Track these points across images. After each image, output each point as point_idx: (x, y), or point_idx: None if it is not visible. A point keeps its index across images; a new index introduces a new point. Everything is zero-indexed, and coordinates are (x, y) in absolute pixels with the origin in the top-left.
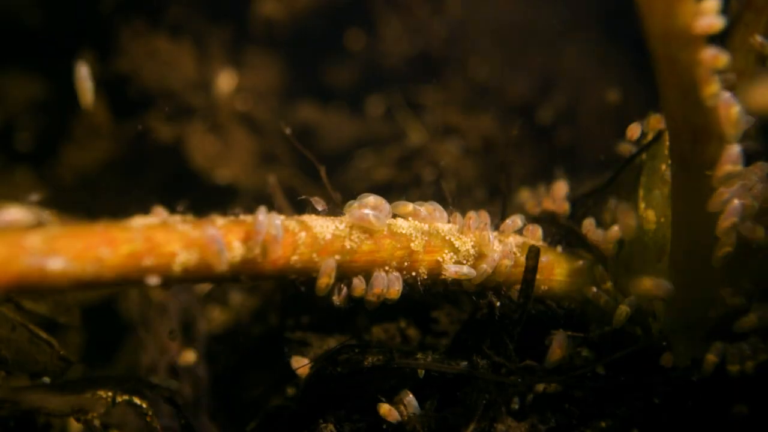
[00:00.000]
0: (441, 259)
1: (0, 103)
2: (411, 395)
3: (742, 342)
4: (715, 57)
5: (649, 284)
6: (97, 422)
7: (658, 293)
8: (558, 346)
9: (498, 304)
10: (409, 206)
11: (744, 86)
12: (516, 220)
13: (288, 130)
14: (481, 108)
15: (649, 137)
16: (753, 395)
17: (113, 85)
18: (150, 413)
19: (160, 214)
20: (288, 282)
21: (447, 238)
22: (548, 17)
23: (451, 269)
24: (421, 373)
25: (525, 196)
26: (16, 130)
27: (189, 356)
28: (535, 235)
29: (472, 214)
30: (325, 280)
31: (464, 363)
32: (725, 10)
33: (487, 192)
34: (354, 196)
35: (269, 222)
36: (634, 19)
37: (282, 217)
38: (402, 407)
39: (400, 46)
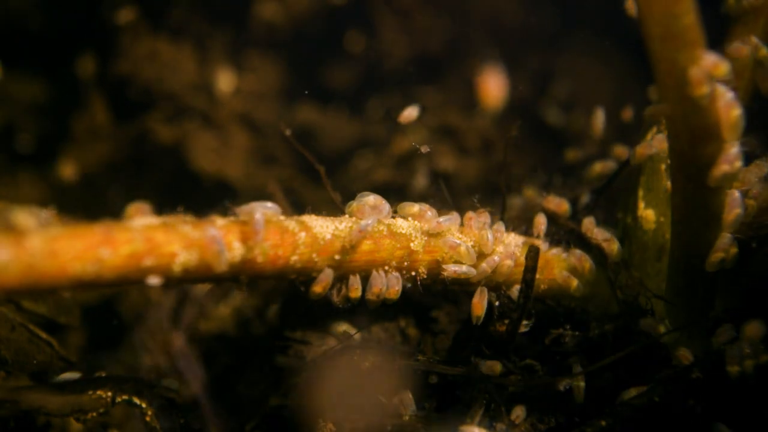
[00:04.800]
0: (440, 259)
1: (1, 105)
2: (409, 393)
3: (742, 342)
4: (715, 64)
5: None
6: (97, 422)
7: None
8: (479, 301)
9: (497, 303)
10: (415, 207)
11: None
12: (500, 229)
13: (288, 131)
14: (480, 108)
15: (648, 137)
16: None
17: (114, 86)
18: (150, 413)
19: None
20: (288, 282)
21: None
22: (546, 17)
23: (451, 268)
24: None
25: (529, 194)
26: (17, 132)
27: (189, 355)
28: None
29: (471, 214)
30: (318, 289)
31: (463, 364)
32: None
33: (487, 192)
34: (353, 196)
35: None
36: (632, 19)
37: (270, 204)
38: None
39: (400, 48)
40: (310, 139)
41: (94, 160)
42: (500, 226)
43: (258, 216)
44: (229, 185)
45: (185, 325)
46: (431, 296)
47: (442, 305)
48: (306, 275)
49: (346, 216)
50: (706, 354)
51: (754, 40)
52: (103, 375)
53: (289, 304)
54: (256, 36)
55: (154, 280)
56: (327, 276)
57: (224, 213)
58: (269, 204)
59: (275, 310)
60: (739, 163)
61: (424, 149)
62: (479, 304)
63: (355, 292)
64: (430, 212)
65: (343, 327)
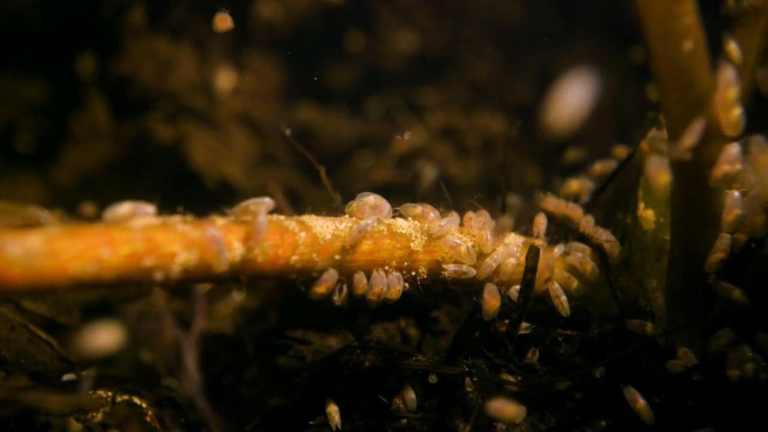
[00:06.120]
0: (441, 259)
1: (1, 105)
2: (411, 391)
3: (743, 344)
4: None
5: None
6: (97, 422)
7: None
8: (491, 296)
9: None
10: (418, 208)
11: None
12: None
13: (288, 131)
14: (480, 108)
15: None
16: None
17: (114, 86)
18: (150, 413)
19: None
20: (288, 282)
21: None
22: (547, 17)
23: (451, 268)
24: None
25: (572, 186)
26: (16, 132)
27: (189, 355)
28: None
29: (471, 214)
30: (321, 289)
31: (464, 363)
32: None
33: (487, 192)
34: (353, 196)
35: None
36: (632, 19)
37: (266, 200)
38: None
39: (400, 47)
40: (310, 139)
41: (94, 160)
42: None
43: (262, 218)
44: (229, 185)
45: (183, 324)
46: (431, 296)
47: (442, 305)
48: (306, 275)
49: (346, 216)
50: (705, 356)
51: (732, 45)
52: (103, 375)
53: (289, 304)
54: (257, 35)
55: (154, 280)
56: (331, 277)
57: (224, 214)
58: (266, 199)
59: (275, 310)
60: (739, 164)
61: (407, 136)
62: (493, 301)
63: (361, 289)
64: (432, 213)
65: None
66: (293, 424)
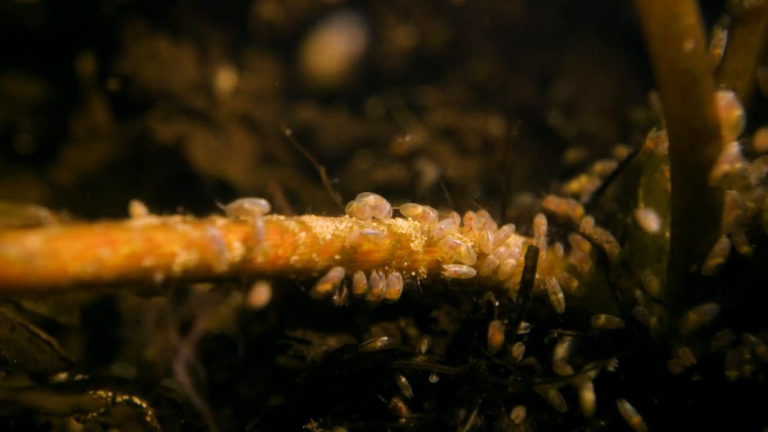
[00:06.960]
0: (441, 259)
1: (1, 105)
2: (404, 378)
3: (742, 346)
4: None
5: None
6: (97, 422)
7: None
8: (497, 331)
9: (497, 303)
10: (418, 208)
11: None
12: (504, 229)
13: (288, 131)
14: (480, 108)
15: (647, 139)
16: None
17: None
18: (150, 413)
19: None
20: (288, 282)
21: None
22: (547, 17)
23: (451, 269)
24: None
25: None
26: (16, 132)
27: (189, 356)
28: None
29: (471, 214)
30: (327, 287)
31: (463, 363)
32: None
33: (487, 192)
34: (353, 196)
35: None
36: (633, 19)
37: (262, 201)
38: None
39: (400, 47)
40: (310, 139)
41: (94, 160)
42: (510, 228)
43: (260, 223)
44: (229, 185)
45: (184, 324)
46: (431, 296)
47: (442, 305)
48: (306, 275)
49: (346, 216)
50: (704, 356)
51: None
52: (103, 375)
53: (289, 304)
54: (257, 35)
55: (154, 281)
56: (337, 274)
57: (222, 213)
58: (262, 201)
59: (275, 310)
60: (739, 164)
61: (407, 138)
62: (498, 334)
63: (361, 289)
64: (432, 213)
65: None
66: (293, 424)
